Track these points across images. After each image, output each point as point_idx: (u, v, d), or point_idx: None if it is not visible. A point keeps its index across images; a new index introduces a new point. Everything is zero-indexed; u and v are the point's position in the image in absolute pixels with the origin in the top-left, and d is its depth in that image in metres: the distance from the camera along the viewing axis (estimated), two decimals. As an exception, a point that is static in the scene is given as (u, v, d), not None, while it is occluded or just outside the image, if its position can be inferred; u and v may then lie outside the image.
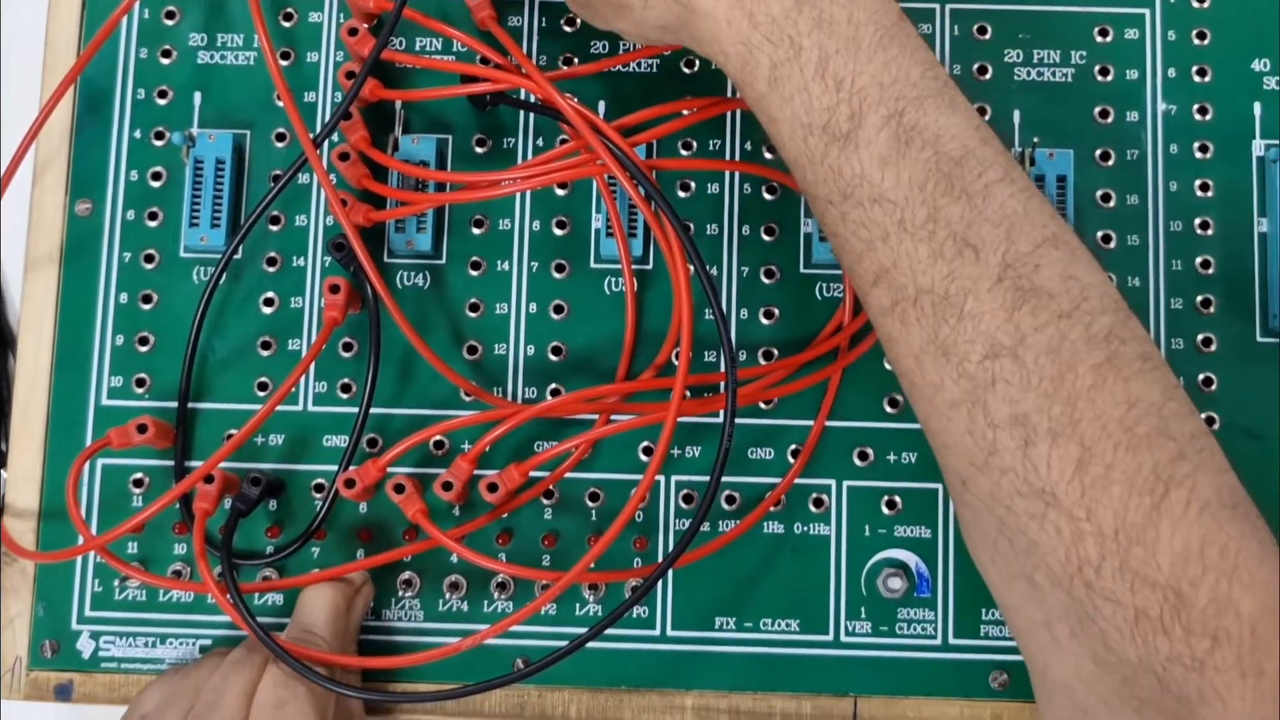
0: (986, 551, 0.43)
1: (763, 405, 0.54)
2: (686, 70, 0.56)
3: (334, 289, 0.53)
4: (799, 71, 0.43)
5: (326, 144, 0.54)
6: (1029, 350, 0.40)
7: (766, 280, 0.55)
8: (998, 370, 0.40)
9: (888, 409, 0.54)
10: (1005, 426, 0.40)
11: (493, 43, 0.54)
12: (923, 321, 0.42)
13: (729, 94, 0.56)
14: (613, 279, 0.55)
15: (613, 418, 0.53)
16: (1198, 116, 0.56)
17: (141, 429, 0.52)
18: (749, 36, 0.44)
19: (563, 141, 0.55)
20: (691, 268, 0.50)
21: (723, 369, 0.53)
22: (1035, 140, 0.55)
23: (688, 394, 0.53)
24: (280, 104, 0.56)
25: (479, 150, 0.56)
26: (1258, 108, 0.55)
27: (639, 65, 0.56)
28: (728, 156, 0.56)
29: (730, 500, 0.54)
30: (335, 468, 0.53)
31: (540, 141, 0.56)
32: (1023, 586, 0.42)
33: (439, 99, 0.55)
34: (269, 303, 0.55)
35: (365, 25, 0.53)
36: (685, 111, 0.53)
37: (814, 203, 0.45)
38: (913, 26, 0.44)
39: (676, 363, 0.52)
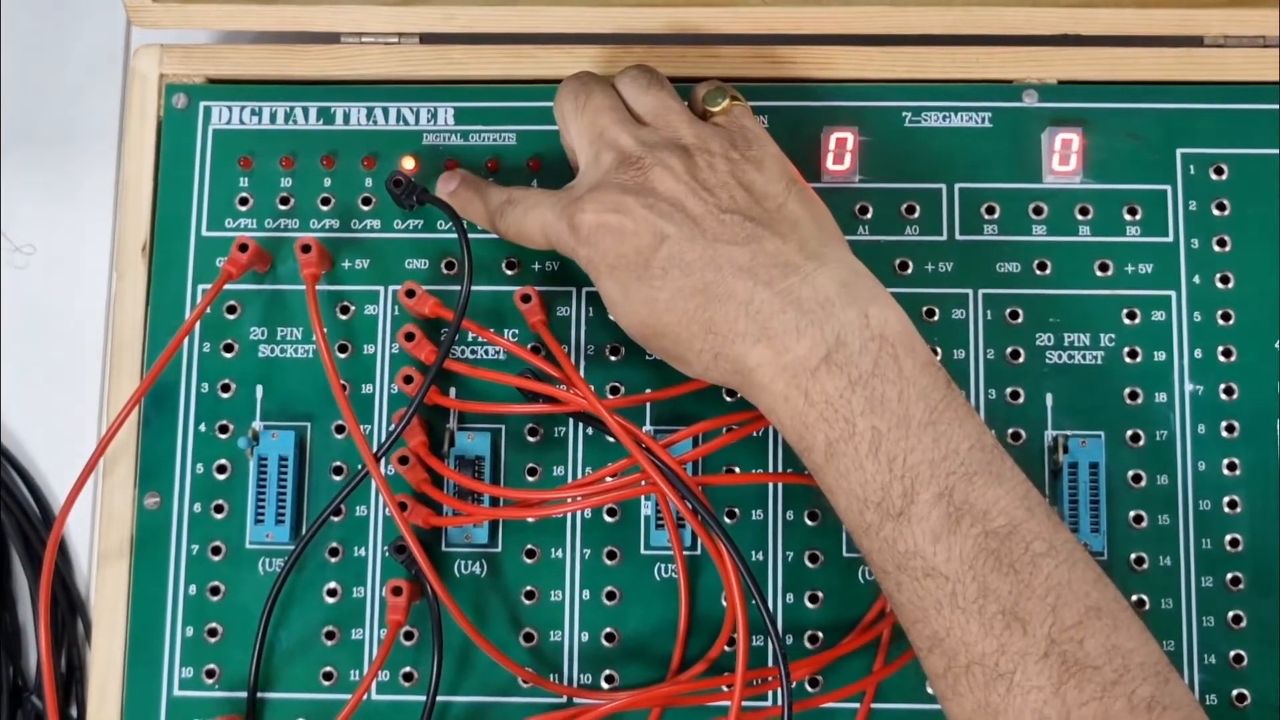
0: None
1: (809, 689, 0.56)
2: (729, 358, 0.58)
3: (396, 591, 0.55)
4: (854, 449, 0.46)
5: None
6: None
7: (810, 564, 0.57)
8: None
9: (929, 691, 0.56)
10: None
11: (543, 346, 0.57)
12: (974, 690, 0.44)
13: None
14: (663, 565, 0.57)
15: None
16: (1224, 396, 0.58)
17: (215, 730, 0.54)
18: (805, 414, 0.46)
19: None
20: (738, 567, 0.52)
21: (772, 673, 0.55)
22: (1067, 431, 0.57)
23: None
24: (339, 395, 0.58)
25: (531, 440, 0.58)
26: (1282, 387, 0.58)
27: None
28: (769, 446, 0.58)
29: (783, 786, 0.56)
30: (400, 757, 0.56)
31: (589, 431, 0.58)
32: None
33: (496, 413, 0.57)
34: (332, 593, 0.57)
35: (419, 329, 0.56)
36: (728, 428, 0.55)
37: (871, 565, 0.47)
38: (961, 394, 0.47)
39: (730, 650, 0.54)
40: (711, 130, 0.53)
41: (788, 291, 0.48)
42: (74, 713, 0.62)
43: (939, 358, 0.57)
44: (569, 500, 0.54)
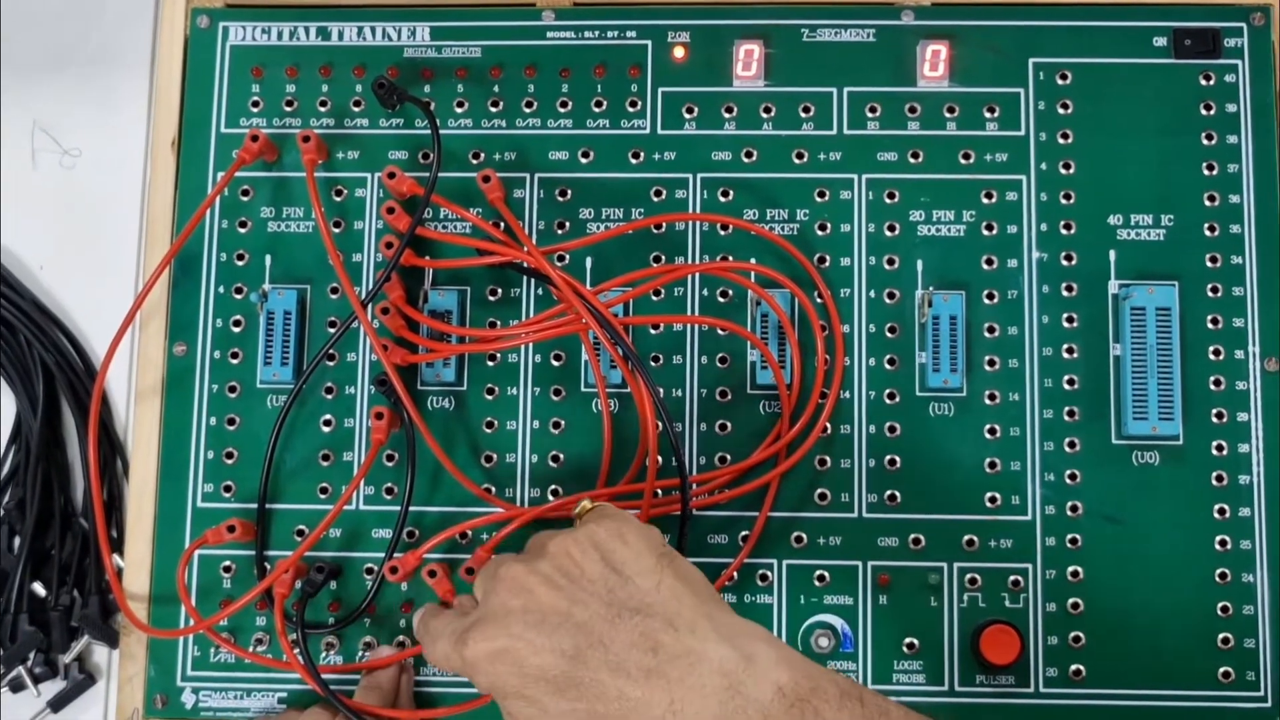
0: None
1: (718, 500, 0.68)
2: (656, 231, 0.70)
3: (379, 416, 0.67)
4: None
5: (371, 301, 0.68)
6: None
7: (720, 400, 0.69)
8: None
9: (817, 501, 0.68)
10: None
11: (502, 219, 0.69)
12: None
13: (687, 258, 0.70)
14: (598, 400, 0.69)
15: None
16: (1064, 262, 0.69)
17: (231, 529, 0.67)
18: None
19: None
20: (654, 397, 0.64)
21: (675, 484, 0.67)
22: (934, 290, 0.68)
23: (659, 493, 0.67)
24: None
25: (491, 299, 0.70)
26: (1112, 254, 0.69)
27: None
28: (688, 300, 0.70)
29: (694, 577, 0.68)
30: (382, 555, 0.68)
31: (540, 291, 0.70)
32: None
33: (459, 267, 0.69)
34: (327, 423, 0.70)
35: (399, 205, 0.68)
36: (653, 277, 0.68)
37: None
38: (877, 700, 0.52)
39: (648, 466, 0.66)
40: (575, 532, 0.56)
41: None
42: (113, 533, 0.74)
43: (829, 232, 0.69)
44: (520, 335, 0.66)
